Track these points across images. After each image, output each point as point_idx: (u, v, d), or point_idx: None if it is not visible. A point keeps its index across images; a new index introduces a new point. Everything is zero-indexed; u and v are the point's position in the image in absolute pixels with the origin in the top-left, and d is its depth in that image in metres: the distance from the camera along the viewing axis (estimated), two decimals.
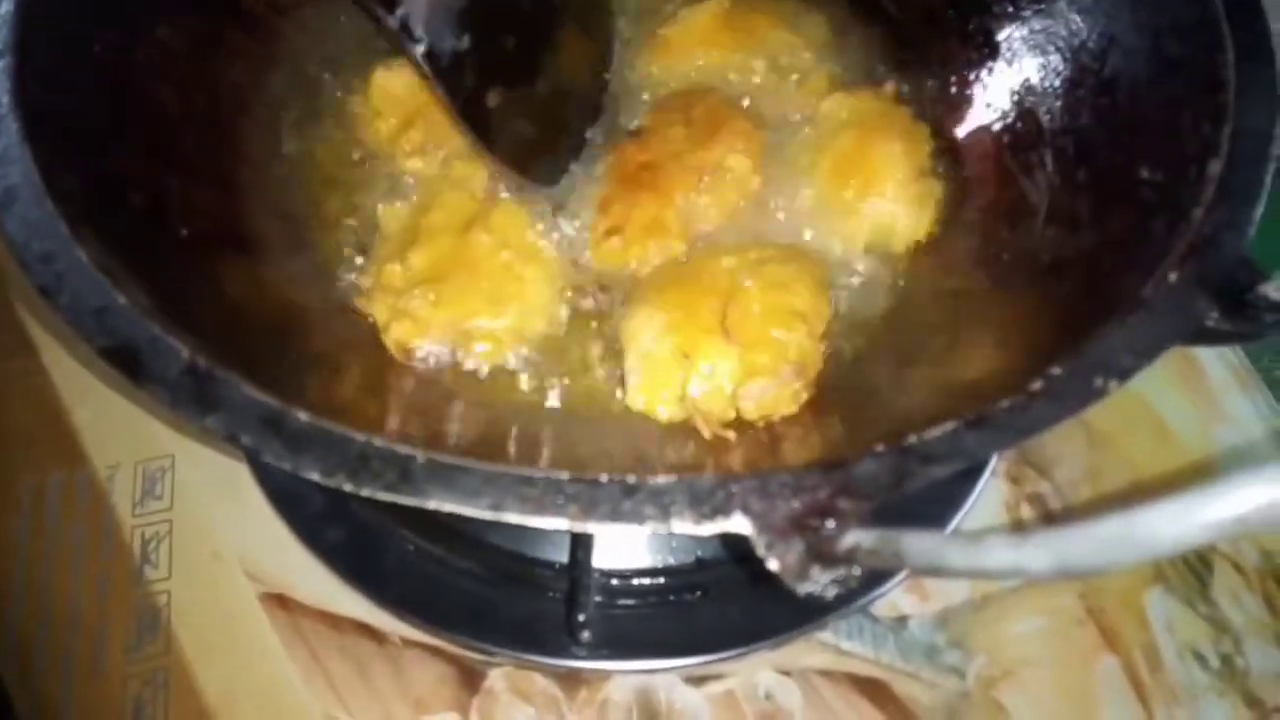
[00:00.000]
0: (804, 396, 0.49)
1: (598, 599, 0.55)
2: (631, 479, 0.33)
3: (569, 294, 0.55)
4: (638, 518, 0.32)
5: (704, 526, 0.32)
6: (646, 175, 0.56)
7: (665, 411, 0.49)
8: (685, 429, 0.49)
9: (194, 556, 0.61)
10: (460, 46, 0.53)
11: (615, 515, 0.33)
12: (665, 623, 0.56)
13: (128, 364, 0.36)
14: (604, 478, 0.33)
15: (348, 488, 0.33)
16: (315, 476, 0.33)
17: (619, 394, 0.51)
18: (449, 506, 0.32)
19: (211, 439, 0.36)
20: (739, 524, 0.32)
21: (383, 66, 0.60)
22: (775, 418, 0.48)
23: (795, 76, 0.62)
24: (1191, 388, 0.68)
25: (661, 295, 0.52)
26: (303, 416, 0.35)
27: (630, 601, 0.57)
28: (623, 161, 0.58)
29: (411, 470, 0.33)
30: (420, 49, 0.52)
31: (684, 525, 0.32)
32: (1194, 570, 0.62)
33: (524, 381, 0.52)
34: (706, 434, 0.47)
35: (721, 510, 0.32)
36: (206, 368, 0.35)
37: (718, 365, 0.49)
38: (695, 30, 0.63)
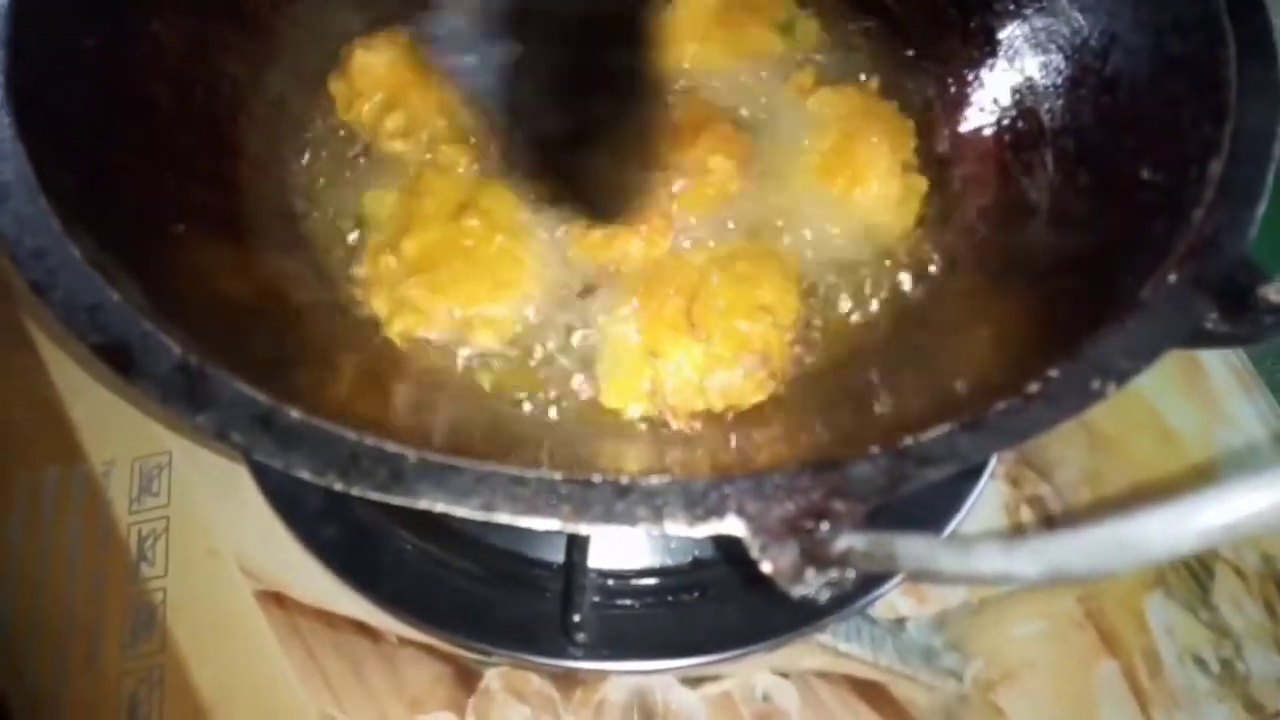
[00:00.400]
0: (770, 385, 0.50)
1: (594, 599, 0.55)
2: (625, 480, 0.33)
3: (562, 281, 0.55)
4: (630, 519, 0.32)
5: (697, 528, 0.32)
6: None
7: (636, 407, 0.50)
8: (656, 423, 0.50)
9: (191, 554, 0.61)
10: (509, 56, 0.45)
11: (608, 516, 0.32)
12: (662, 623, 0.56)
13: (119, 361, 0.36)
14: (597, 478, 0.33)
15: (338, 487, 0.33)
16: (306, 475, 0.33)
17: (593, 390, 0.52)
18: (440, 506, 0.32)
19: (207, 437, 0.36)
20: (733, 526, 0.32)
21: (362, 45, 0.60)
22: (743, 407, 0.50)
23: (782, 73, 0.62)
24: (1194, 390, 0.68)
25: (632, 295, 0.53)
26: (294, 414, 0.34)
27: (627, 602, 0.57)
28: None
29: (403, 469, 0.33)
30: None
31: (677, 527, 0.32)
32: (1195, 575, 0.61)
33: (518, 372, 0.52)
34: (674, 426, 0.49)
35: (715, 512, 0.32)
36: (198, 365, 0.35)
37: (683, 359, 0.50)
38: (688, 20, 0.62)
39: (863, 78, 0.62)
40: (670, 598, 0.57)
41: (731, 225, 0.56)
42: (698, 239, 0.56)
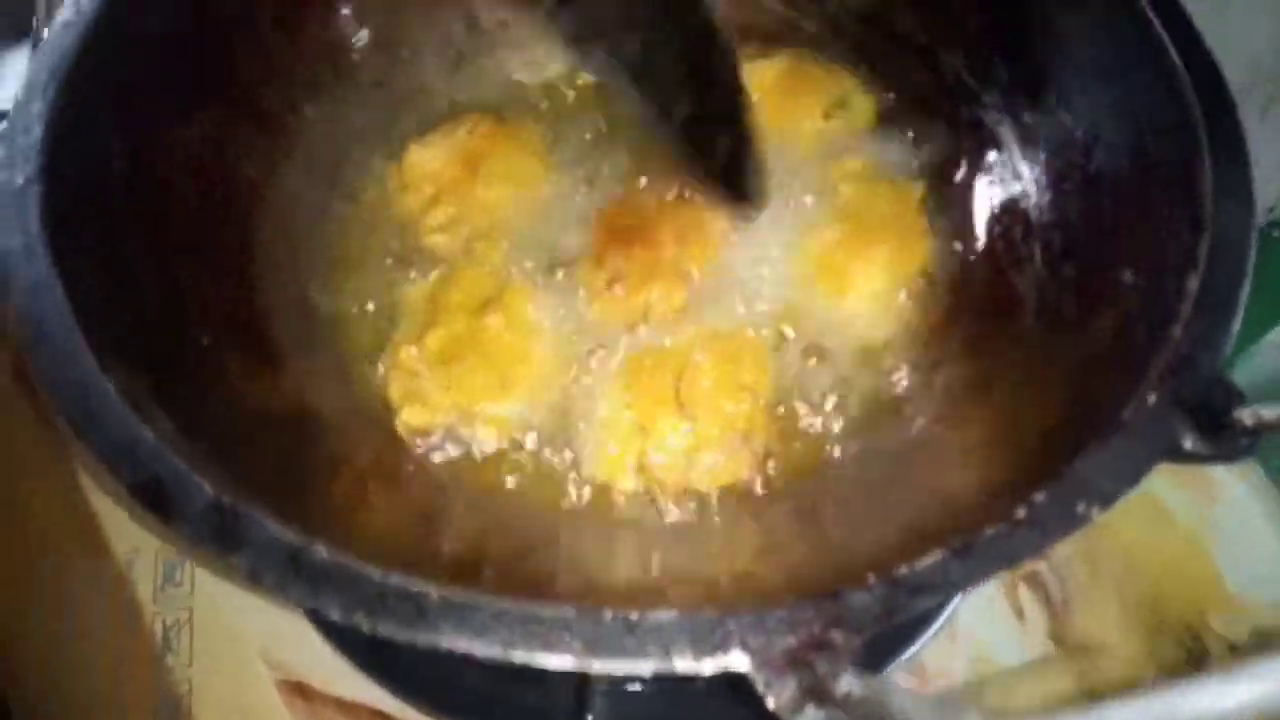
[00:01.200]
0: (752, 464, 0.53)
1: (606, 686, 0.57)
2: (634, 615, 0.34)
3: (574, 371, 0.56)
4: (641, 654, 0.34)
5: (704, 664, 0.34)
6: (634, 232, 0.58)
7: (624, 482, 0.52)
8: (644, 503, 0.52)
9: (215, 644, 0.62)
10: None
11: (619, 652, 0.34)
12: (675, 709, 0.58)
13: (154, 500, 0.37)
14: (608, 614, 0.34)
15: (365, 627, 0.34)
16: (335, 615, 0.35)
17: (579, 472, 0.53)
18: (462, 646, 0.34)
19: (238, 578, 0.37)
20: (738, 661, 0.33)
21: (417, 142, 0.63)
22: (729, 485, 0.52)
23: (825, 153, 0.63)
24: (1186, 469, 0.68)
25: (621, 373, 0.55)
26: (322, 552, 0.36)
27: (639, 688, 0.58)
28: (607, 221, 0.59)
29: (425, 607, 0.35)
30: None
31: (685, 664, 0.34)
32: (1190, 652, 0.62)
33: (526, 468, 0.54)
34: (662, 504, 0.52)
35: (720, 647, 0.34)
36: (230, 505, 0.37)
37: (672, 436, 0.52)
38: (756, 83, 0.62)
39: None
40: (682, 682, 0.58)
41: (719, 304, 0.58)
42: (699, 305, 0.57)
